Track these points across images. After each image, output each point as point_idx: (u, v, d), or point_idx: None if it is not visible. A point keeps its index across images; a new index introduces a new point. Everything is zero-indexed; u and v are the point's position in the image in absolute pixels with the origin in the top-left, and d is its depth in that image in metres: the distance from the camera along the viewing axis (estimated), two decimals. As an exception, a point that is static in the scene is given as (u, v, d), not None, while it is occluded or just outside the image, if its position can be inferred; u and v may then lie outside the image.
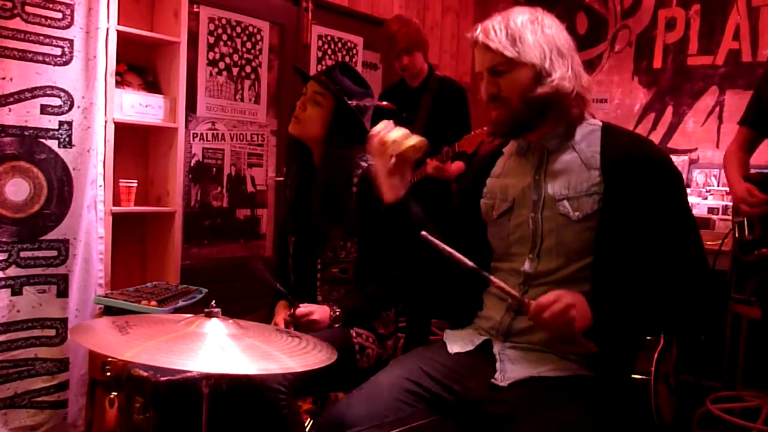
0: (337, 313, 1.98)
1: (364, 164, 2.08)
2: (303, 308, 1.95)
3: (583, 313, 1.36)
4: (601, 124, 1.58)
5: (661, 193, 1.46)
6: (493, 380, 1.48)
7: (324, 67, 2.12)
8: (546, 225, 1.53)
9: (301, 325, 1.92)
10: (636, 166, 1.47)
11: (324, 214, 2.05)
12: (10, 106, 2.39)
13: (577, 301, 1.36)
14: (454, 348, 1.63)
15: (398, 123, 3.48)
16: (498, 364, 1.51)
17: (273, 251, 3.80)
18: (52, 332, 2.57)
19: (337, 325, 1.98)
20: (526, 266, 1.54)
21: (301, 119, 2.06)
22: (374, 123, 1.66)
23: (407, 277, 2.10)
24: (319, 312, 1.96)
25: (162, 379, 1.70)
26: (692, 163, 4.11)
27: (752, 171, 2.63)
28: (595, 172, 1.50)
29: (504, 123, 1.54)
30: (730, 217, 3.62)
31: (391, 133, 1.57)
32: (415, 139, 1.58)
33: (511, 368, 1.50)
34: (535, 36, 1.47)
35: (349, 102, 2.03)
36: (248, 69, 3.60)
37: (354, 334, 1.98)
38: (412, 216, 1.60)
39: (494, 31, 1.48)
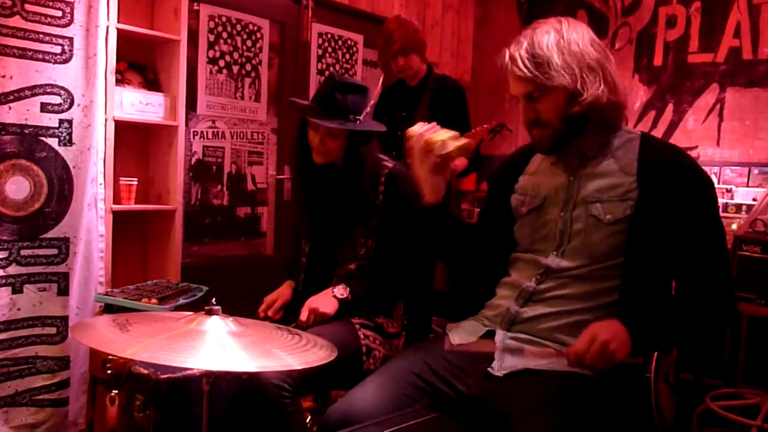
0: (344, 295, 1.98)
1: (389, 164, 2.12)
2: (303, 311, 1.96)
3: (621, 341, 1.36)
4: (639, 134, 1.60)
5: (696, 206, 1.49)
6: (489, 369, 1.49)
7: (324, 78, 2.08)
8: (575, 225, 1.54)
9: (316, 322, 1.94)
10: (674, 176, 1.49)
11: (351, 212, 2.07)
12: (10, 105, 2.39)
13: (613, 332, 1.36)
14: (455, 339, 1.63)
15: (397, 122, 3.49)
16: (497, 353, 1.52)
17: (274, 249, 3.81)
18: (52, 330, 2.57)
19: (342, 296, 1.97)
20: (549, 261, 1.56)
21: (324, 151, 2.06)
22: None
23: (412, 277, 2.12)
24: (320, 302, 1.96)
25: (162, 376, 1.70)
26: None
27: (755, 170, 2.67)
28: (631, 178, 1.52)
29: (547, 142, 1.56)
30: (730, 214, 3.63)
31: (436, 134, 1.57)
32: (462, 141, 1.58)
33: (509, 359, 1.50)
34: (563, 57, 1.47)
35: (360, 117, 2.03)
36: (248, 67, 3.60)
37: (362, 336, 1.99)
38: (449, 214, 1.66)
39: (522, 60, 1.48)
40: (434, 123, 1.63)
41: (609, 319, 1.41)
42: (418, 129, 1.60)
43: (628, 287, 1.49)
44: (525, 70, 1.47)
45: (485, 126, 2.84)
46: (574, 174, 1.58)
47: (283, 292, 2.20)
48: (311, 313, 1.95)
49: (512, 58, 1.49)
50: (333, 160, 2.07)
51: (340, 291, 1.99)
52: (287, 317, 2.08)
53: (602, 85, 1.48)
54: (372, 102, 2.08)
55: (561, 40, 1.48)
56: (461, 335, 1.64)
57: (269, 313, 2.11)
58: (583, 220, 1.53)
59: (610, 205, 1.51)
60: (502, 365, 1.50)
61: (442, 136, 1.56)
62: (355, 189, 2.06)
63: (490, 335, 1.59)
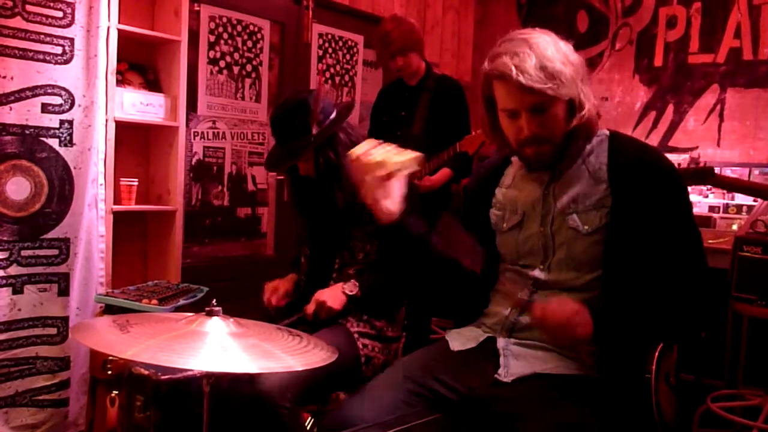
0: (353, 292, 1.96)
1: None
2: (311, 304, 1.94)
3: (584, 322, 1.37)
4: (607, 133, 1.57)
5: (667, 204, 1.47)
6: (496, 376, 1.49)
7: (282, 107, 2.12)
8: (557, 238, 1.53)
9: (322, 316, 1.93)
10: (643, 177, 1.48)
11: (344, 217, 2.07)
12: (11, 105, 2.39)
13: (580, 311, 1.37)
14: (456, 345, 1.63)
15: (396, 122, 3.47)
16: (502, 359, 1.52)
17: (274, 250, 3.81)
18: (53, 331, 2.57)
19: (352, 292, 1.96)
20: (537, 274, 1.55)
21: (305, 168, 2.09)
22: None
23: (417, 282, 2.11)
24: (328, 296, 1.95)
25: (163, 377, 1.70)
26: (693, 161, 4.11)
27: (756, 170, 2.67)
28: (603, 185, 1.50)
29: (545, 159, 1.52)
30: (730, 215, 3.63)
31: (373, 155, 1.51)
32: (402, 156, 1.53)
33: (514, 364, 1.50)
34: (567, 68, 1.43)
35: (312, 132, 2.02)
36: (249, 68, 3.60)
37: (360, 346, 1.99)
38: (412, 232, 1.60)
39: (532, 69, 1.40)
40: (373, 142, 1.56)
41: (580, 305, 1.40)
42: (357, 151, 1.54)
43: (610, 296, 1.47)
44: (538, 80, 1.39)
45: None
46: (547, 186, 1.57)
47: (284, 281, 2.18)
48: (318, 306, 1.93)
49: (521, 69, 1.40)
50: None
51: (350, 287, 1.97)
52: (291, 310, 2.06)
53: (593, 98, 1.47)
54: (321, 106, 2.05)
55: (560, 50, 1.45)
56: (461, 341, 1.64)
57: (273, 301, 2.10)
58: (563, 233, 1.52)
59: (586, 215, 1.50)
60: (508, 371, 1.49)
61: (379, 156, 1.50)
62: (340, 194, 2.05)
63: (490, 342, 1.59)
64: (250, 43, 3.59)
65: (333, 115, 2.07)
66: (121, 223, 2.85)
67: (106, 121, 2.66)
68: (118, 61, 2.72)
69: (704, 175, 2.81)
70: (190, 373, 1.68)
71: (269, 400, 1.71)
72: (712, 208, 3.74)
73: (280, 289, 2.14)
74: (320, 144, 2.03)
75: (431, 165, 3.06)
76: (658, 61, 4.32)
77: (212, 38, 3.42)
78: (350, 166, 1.55)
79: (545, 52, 1.42)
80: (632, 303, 1.45)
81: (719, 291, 2.79)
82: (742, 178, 3.14)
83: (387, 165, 1.50)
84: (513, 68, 1.41)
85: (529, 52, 1.42)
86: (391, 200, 1.55)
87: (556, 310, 1.37)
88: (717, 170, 3.93)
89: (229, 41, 3.49)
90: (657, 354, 1.52)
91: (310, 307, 1.94)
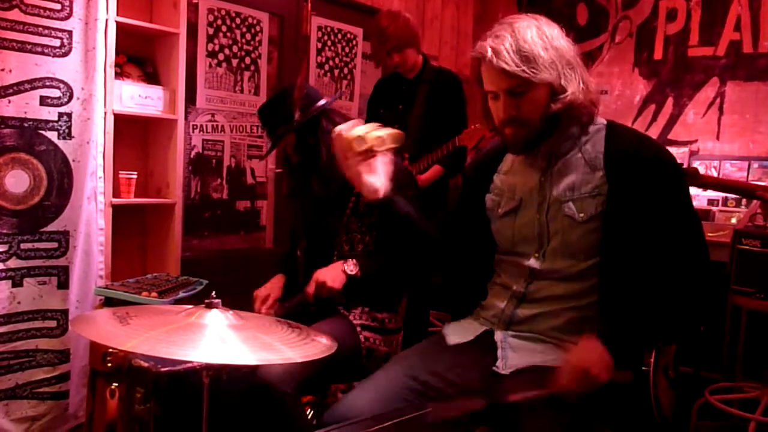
0: (354, 272, 1.96)
1: None
2: (311, 284, 1.93)
3: (602, 363, 1.35)
4: (605, 123, 1.58)
5: (665, 193, 1.47)
6: (494, 368, 1.49)
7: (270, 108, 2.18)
8: (552, 226, 1.53)
9: (323, 296, 1.92)
10: (640, 166, 1.48)
11: (335, 206, 2.07)
12: (10, 98, 2.39)
13: (590, 356, 1.36)
14: (453, 339, 1.63)
15: (394, 115, 3.46)
16: (499, 352, 1.52)
17: (273, 243, 3.81)
18: (52, 323, 2.57)
19: (352, 272, 1.96)
20: (532, 263, 1.55)
21: (294, 156, 2.14)
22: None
23: (419, 273, 2.11)
24: (328, 275, 1.94)
25: (163, 369, 1.71)
26: (692, 154, 4.11)
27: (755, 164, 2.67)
28: (599, 173, 1.50)
29: (522, 142, 1.53)
30: (729, 208, 3.63)
31: (354, 130, 1.53)
32: (381, 131, 1.54)
33: (512, 356, 1.51)
34: (547, 52, 1.44)
35: (295, 119, 2.05)
36: (248, 60, 3.59)
37: (363, 339, 1.99)
38: (398, 210, 1.60)
39: (507, 53, 1.42)
40: (356, 120, 1.59)
41: (586, 340, 1.39)
42: (340, 128, 1.55)
43: (608, 285, 1.48)
44: (511, 63, 1.41)
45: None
46: (544, 173, 1.57)
47: (273, 287, 2.17)
48: (318, 286, 1.92)
49: (496, 52, 1.43)
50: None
51: (351, 267, 1.96)
52: (290, 297, 2.06)
53: (580, 84, 1.47)
54: (304, 92, 2.07)
55: (543, 35, 1.45)
56: (459, 335, 1.64)
57: (263, 311, 2.09)
58: (559, 221, 1.52)
59: (582, 203, 1.50)
60: (507, 363, 1.50)
61: (360, 131, 1.52)
62: (316, 181, 2.06)
63: (487, 335, 1.59)
64: (248, 36, 3.58)
65: (320, 103, 2.09)
66: (121, 216, 2.85)
67: (105, 113, 2.66)
68: (117, 53, 2.71)
69: (689, 178, 2.83)
70: (189, 365, 1.68)
71: (272, 389, 1.72)
72: (711, 201, 3.75)
73: (269, 299, 2.13)
74: (302, 129, 2.05)
75: (423, 163, 3.06)
76: (657, 54, 4.32)
77: (211, 31, 3.41)
78: (334, 142, 1.57)
79: (524, 36, 1.43)
80: (633, 301, 1.45)
81: (718, 283, 2.78)
82: (723, 178, 3.16)
83: (366, 139, 1.51)
84: (489, 50, 1.44)
85: (505, 35, 1.44)
86: (375, 177, 1.55)
87: (571, 381, 1.34)
88: (717, 163, 3.96)
89: (228, 34, 3.48)
90: (655, 347, 1.52)
91: (311, 287, 1.93)
